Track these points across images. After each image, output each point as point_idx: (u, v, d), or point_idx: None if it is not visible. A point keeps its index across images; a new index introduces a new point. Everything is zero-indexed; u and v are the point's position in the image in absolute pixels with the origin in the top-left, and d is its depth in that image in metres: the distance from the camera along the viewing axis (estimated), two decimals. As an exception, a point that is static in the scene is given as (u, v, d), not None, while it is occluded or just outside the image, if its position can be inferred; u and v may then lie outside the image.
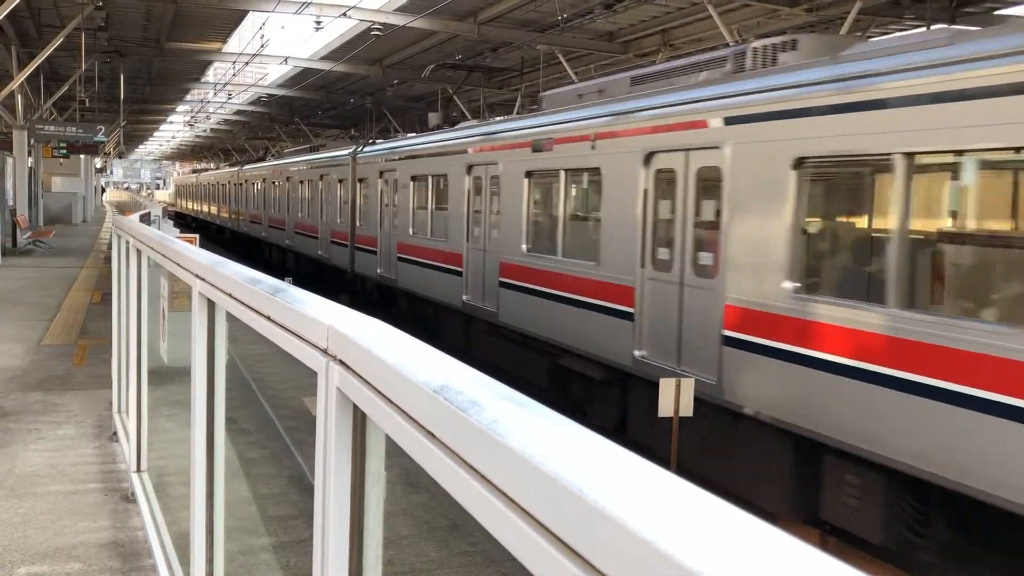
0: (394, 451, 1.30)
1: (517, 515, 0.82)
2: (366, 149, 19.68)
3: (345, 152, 21.05)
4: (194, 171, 66.59)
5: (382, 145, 19.18)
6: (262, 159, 38.45)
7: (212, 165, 62.02)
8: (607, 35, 21.39)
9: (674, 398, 7.76)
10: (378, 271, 17.82)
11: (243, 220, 35.17)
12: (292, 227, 25.96)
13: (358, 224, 19.46)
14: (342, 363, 1.48)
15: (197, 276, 3.08)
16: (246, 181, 34.70)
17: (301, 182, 25.06)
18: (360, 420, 1.46)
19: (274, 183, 29.08)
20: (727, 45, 17.52)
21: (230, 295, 2.53)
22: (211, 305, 2.94)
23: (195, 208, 53.03)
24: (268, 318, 2.02)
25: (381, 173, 17.86)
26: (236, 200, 37.01)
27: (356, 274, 19.56)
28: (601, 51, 22.40)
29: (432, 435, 1.06)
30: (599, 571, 0.69)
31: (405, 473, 5.17)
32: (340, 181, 20.86)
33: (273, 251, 29.63)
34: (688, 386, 7.82)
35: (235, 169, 38.86)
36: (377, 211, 17.95)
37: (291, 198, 26.24)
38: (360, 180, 19.43)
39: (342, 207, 20.68)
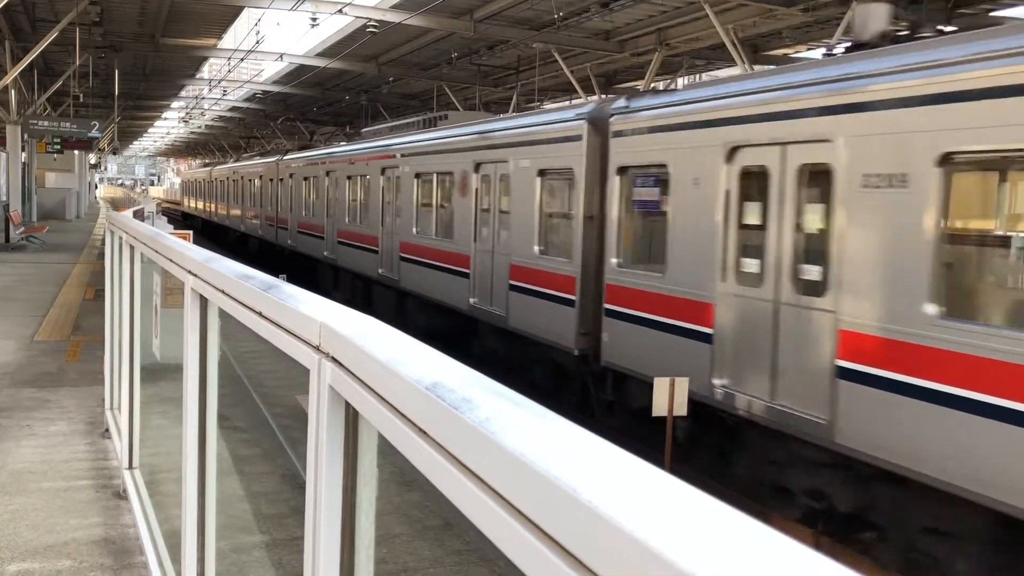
0: (387, 449, 1.29)
1: (510, 514, 0.81)
2: (644, 103, 9.97)
3: (568, 117, 11.44)
4: (205, 164, 56.20)
5: (729, 88, 8.76)
6: (306, 146, 30.40)
7: (232, 157, 52.00)
8: (603, 34, 21.41)
9: (668, 397, 7.77)
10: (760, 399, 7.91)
11: (288, 231, 26.12)
12: (394, 250, 17.02)
13: (614, 260, 10.21)
14: (334, 360, 1.47)
15: (190, 272, 3.07)
16: (291, 176, 25.97)
17: (416, 176, 16.22)
18: (352, 418, 1.45)
19: (350, 178, 20.15)
20: (721, 46, 17.57)
21: (223, 291, 2.52)
22: (204, 301, 2.93)
23: (208, 209, 44.14)
24: (260, 314, 2.01)
25: (732, 151, 8.31)
26: (274, 203, 28.23)
27: (607, 367, 10.30)
28: (597, 49, 22.43)
29: (425, 433, 1.05)
30: (592, 571, 0.68)
31: (398, 471, 5.16)
32: (542, 174, 11.78)
33: (344, 281, 20.63)
34: (682, 386, 7.83)
35: (272, 160, 29.51)
36: (715, 237, 8.45)
37: (392, 206, 17.37)
38: (621, 170, 10.12)
39: (554, 227, 11.85)
